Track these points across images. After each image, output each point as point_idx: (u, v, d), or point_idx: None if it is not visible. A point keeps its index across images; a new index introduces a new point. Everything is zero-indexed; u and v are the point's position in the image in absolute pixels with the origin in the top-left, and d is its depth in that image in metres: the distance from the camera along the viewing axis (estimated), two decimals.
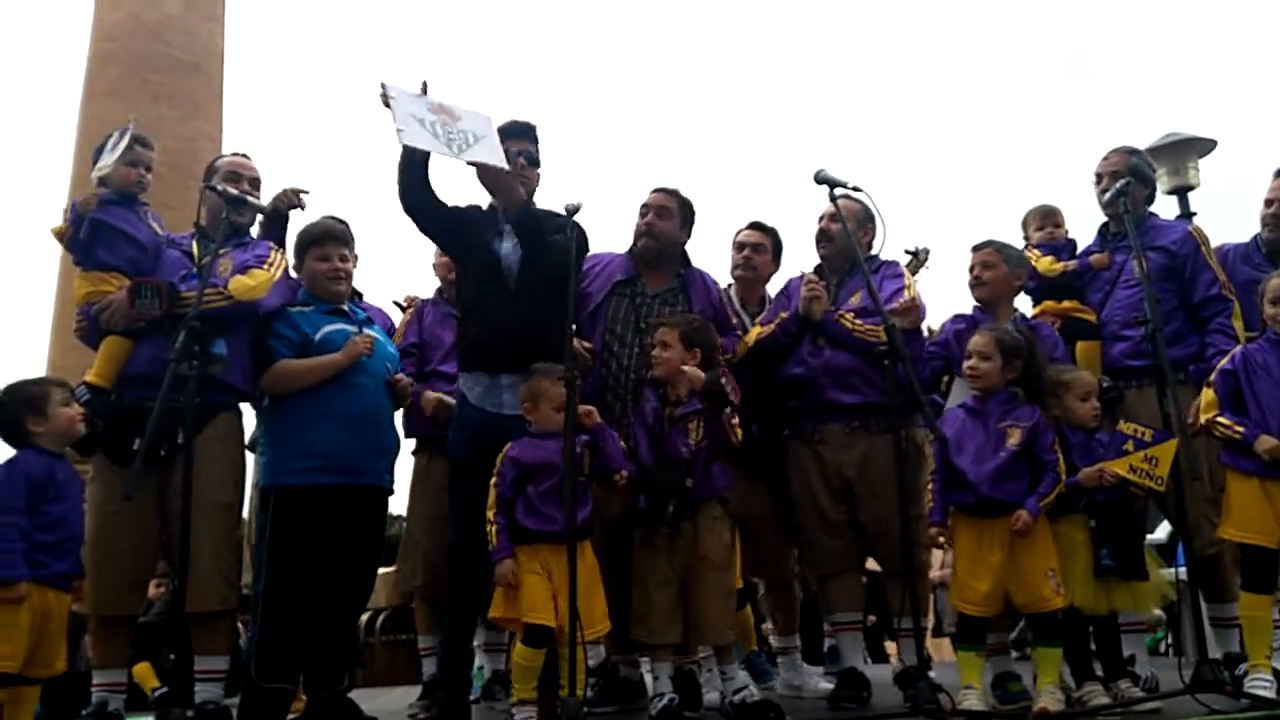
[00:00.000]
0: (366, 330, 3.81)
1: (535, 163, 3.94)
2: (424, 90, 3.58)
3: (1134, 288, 3.99)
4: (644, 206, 4.20)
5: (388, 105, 3.44)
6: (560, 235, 3.60)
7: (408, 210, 3.71)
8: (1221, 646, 3.94)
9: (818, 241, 4.30)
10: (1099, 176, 4.35)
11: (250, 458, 3.92)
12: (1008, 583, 3.40)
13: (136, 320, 3.54)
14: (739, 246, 4.51)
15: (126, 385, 3.57)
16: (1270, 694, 3.26)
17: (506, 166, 3.62)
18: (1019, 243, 4.50)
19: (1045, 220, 4.62)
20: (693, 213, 4.26)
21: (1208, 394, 3.61)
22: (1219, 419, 3.52)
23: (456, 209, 3.87)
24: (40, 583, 3.10)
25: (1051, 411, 3.57)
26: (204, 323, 3.30)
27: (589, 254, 4.06)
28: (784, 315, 4.16)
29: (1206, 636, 3.69)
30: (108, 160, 3.73)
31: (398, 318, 4.74)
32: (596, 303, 4.09)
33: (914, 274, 4.72)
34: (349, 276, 3.89)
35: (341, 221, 3.97)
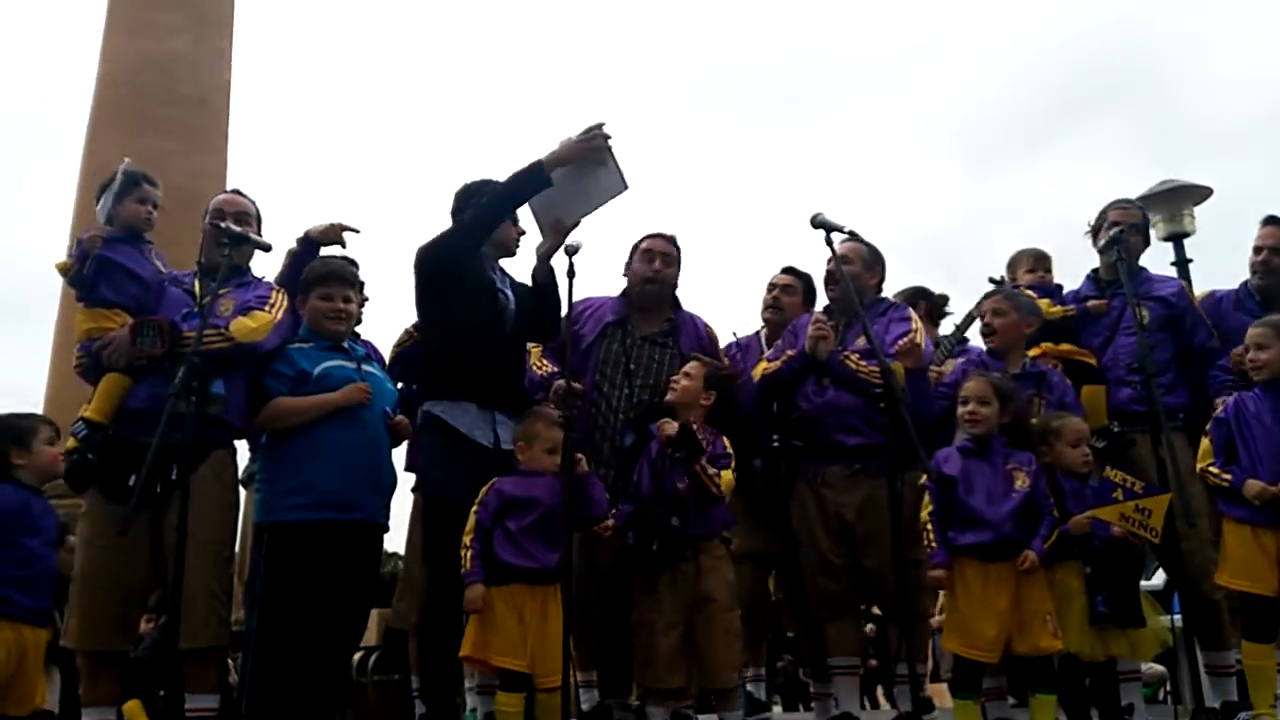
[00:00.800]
0: (365, 367, 3.82)
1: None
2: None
3: (1131, 337, 4.05)
4: (647, 252, 4.25)
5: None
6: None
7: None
8: (1218, 695, 3.92)
9: (826, 283, 4.36)
10: (1104, 225, 4.37)
11: (244, 494, 3.93)
12: (1011, 627, 3.39)
13: (138, 358, 3.55)
14: (770, 288, 4.58)
15: (124, 421, 3.56)
16: None
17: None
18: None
19: (1037, 264, 4.68)
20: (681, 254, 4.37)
21: (1204, 443, 3.65)
22: (1210, 468, 3.60)
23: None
24: (11, 619, 3.10)
25: (1044, 458, 3.60)
26: (203, 361, 3.31)
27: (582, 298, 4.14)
28: (790, 353, 4.18)
29: (1203, 685, 3.66)
30: (106, 201, 3.76)
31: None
32: (588, 343, 4.12)
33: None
34: (350, 317, 3.89)
35: (353, 263, 4.02)
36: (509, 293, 3.87)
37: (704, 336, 4.33)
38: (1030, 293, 4.43)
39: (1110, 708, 3.59)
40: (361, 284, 4.02)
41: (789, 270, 4.65)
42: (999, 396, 3.57)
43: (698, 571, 3.53)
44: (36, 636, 3.23)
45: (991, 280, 4.85)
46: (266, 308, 3.75)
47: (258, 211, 4.04)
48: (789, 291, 4.57)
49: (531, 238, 3.97)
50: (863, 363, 4.02)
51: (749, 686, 5.02)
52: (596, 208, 3.69)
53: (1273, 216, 4.31)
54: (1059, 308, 4.37)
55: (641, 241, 4.38)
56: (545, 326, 3.87)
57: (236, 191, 4.15)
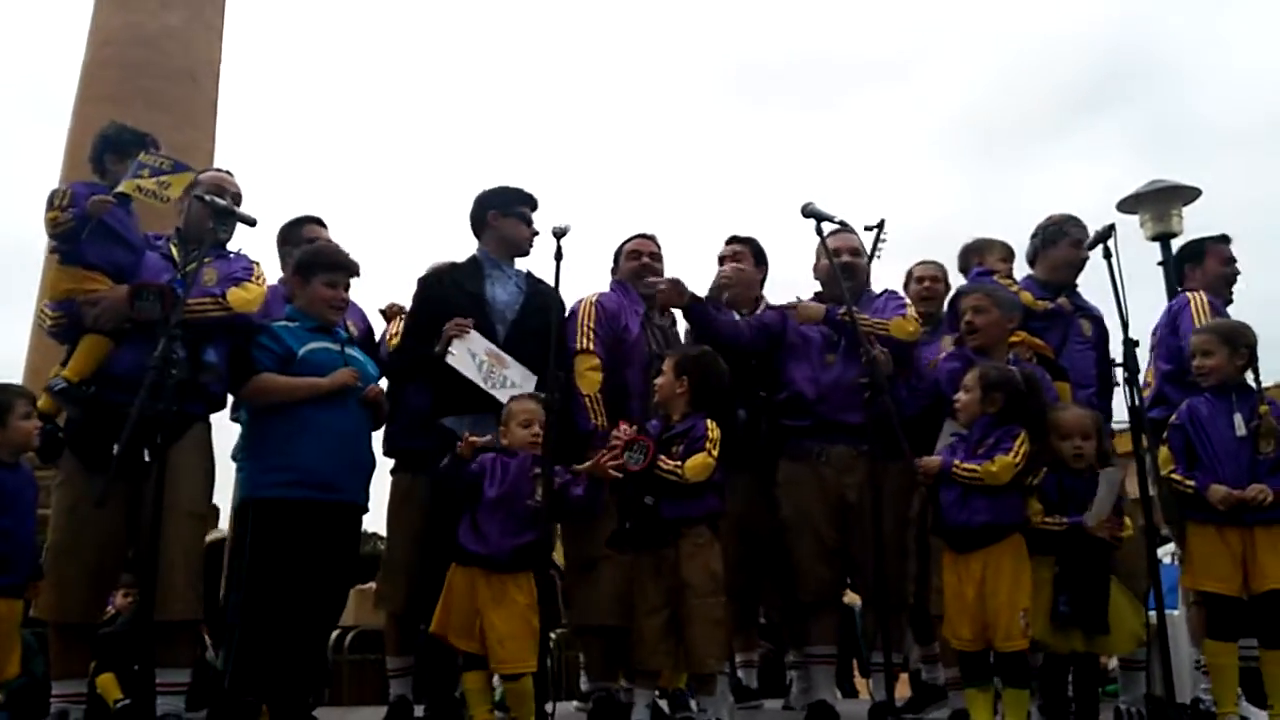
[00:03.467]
0: (349, 350, 3.83)
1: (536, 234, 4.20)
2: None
3: (1083, 345, 4.26)
4: (634, 253, 4.33)
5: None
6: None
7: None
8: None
9: (816, 273, 4.40)
10: (1060, 236, 4.39)
11: (228, 471, 3.91)
12: (984, 618, 3.39)
13: (136, 321, 3.51)
14: (720, 260, 4.56)
15: (108, 385, 3.51)
16: None
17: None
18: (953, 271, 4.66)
19: (1008, 255, 4.64)
20: None
21: (1163, 450, 3.71)
22: (1173, 474, 3.64)
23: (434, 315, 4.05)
24: None
25: (1048, 452, 3.58)
26: (196, 330, 3.30)
27: (591, 294, 4.23)
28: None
29: (1175, 680, 3.67)
30: (155, 186, 3.62)
31: (379, 325, 4.73)
32: (634, 337, 4.15)
33: (876, 248, 4.99)
34: (347, 306, 3.97)
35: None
36: (507, 297, 4.07)
37: None
38: (1009, 282, 4.40)
39: (1086, 700, 3.58)
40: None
41: (733, 239, 4.63)
42: (981, 384, 3.56)
43: (678, 557, 3.54)
44: (10, 608, 3.25)
45: (867, 228, 5.11)
46: (255, 280, 3.77)
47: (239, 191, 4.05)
48: (739, 259, 4.56)
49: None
50: (864, 317, 4.01)
51: (739, 673, 5.03)
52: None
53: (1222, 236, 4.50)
54: (1042, 302, 4.33)
55: (626, 244, 4.41)
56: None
57: (226, 171, 4.15)
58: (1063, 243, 4.36)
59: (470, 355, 3.87)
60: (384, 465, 4.44)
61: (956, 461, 3.46)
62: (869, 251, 4.92)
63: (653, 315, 4.31)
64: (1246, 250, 4.57)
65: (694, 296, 4.18)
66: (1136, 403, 3.61)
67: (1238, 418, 3.62)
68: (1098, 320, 4.41)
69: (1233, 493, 3.50)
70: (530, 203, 4.25)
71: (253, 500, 3.62)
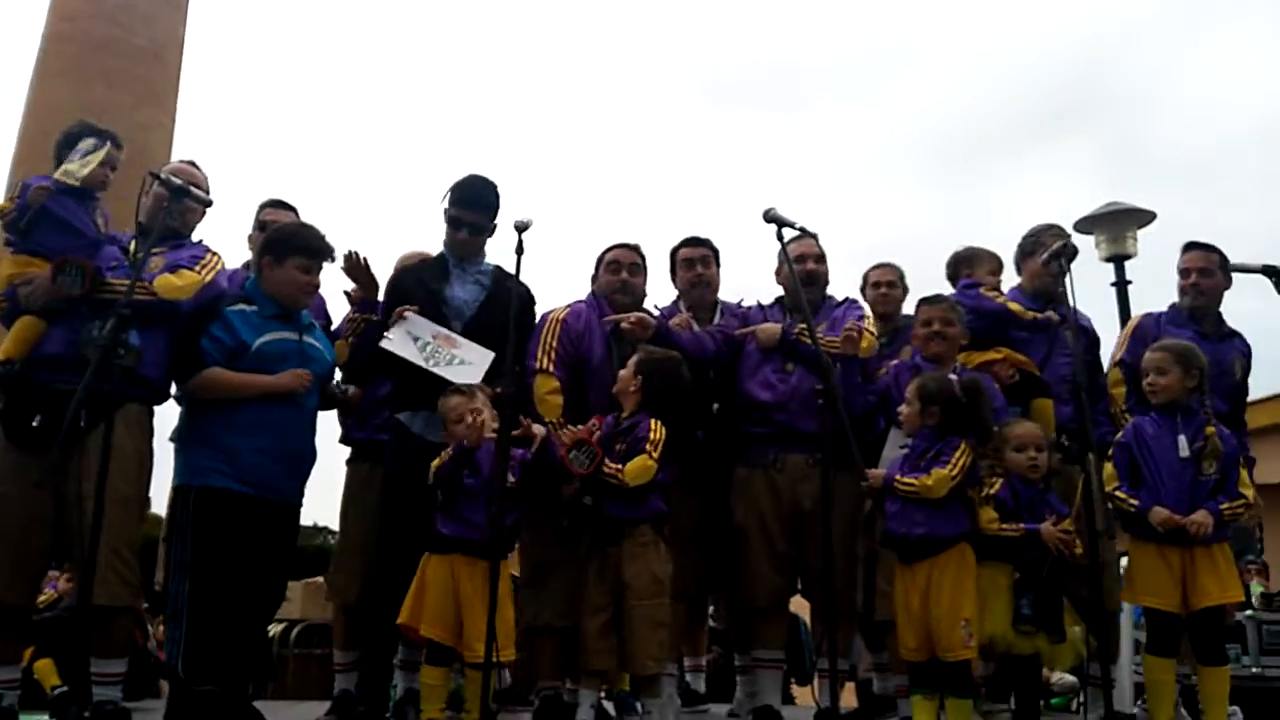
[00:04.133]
0: (307, 338, 3.77)
1: (480, 231, 4.09)
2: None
3: (1068, 358, 4.09)
4: (613, 263, 4.22)
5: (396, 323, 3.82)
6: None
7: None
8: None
9: (778, 278, 4.39)
10: (1038, 248, 4.35)
11: (166, 454, 3.83)
12: (928, 627, 3.44)
13: (57, 297, 3.47)
14: (688, 263, 4.46)
15: (38, 366, 3.48)
16: None
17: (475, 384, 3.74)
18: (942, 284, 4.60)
19: (998, 267, 4.61)
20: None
21: (1108, 467, 3.78)
22: (1117, 492, 3.70)
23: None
24: None
25: (999, 464, 3.64)
26: (130, 313, 3.23)
27: (563, 305, 4.16)
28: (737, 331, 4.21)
29: (1116, 695, 3.76)
30: (77, 167, 3.63)
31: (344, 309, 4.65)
32: (598, 360, 4.05)
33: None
34: (317, 291, 3.90)
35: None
36: (466, 294, 4.01)
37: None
38: (995, 294, 4.41)
39: (1028, 701, 3.65)
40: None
41: (695, 241, 4.50)
42: (920, 398, 3.61)
43: (620, 558, 3.54)
44: None
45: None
46: (197, 268, 3.69)
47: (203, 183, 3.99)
48: (708, 263, 4.46)
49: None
50: (820, 336, 3.97)
51: (687, 677, 5.04)
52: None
53: (1193, 242, 4.44)
54: (1030, 311, 4.33)
55: (606, 253, 4.30)
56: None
57: (191, 163, 4.07)
58: (1040, 253, 4.33)
59: (411, 339, 3.80)
60: (337, 454, 4.40)
61: (898, 476, 3.52)
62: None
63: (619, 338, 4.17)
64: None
65: (658, 327, 4.10)
66: (1085, 418, 3.65)
67: (1182, 439, 3.68)
68: (1086, 332, 4.42)
69: (1174, 517, 3.57)
70: (459, 200, 4.10)
71: (193, 487, 3.54)
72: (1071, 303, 3.80)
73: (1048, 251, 4.00)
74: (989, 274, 4.55)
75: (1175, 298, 4.48)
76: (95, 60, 13.44)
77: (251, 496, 3.53)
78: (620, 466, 3.50)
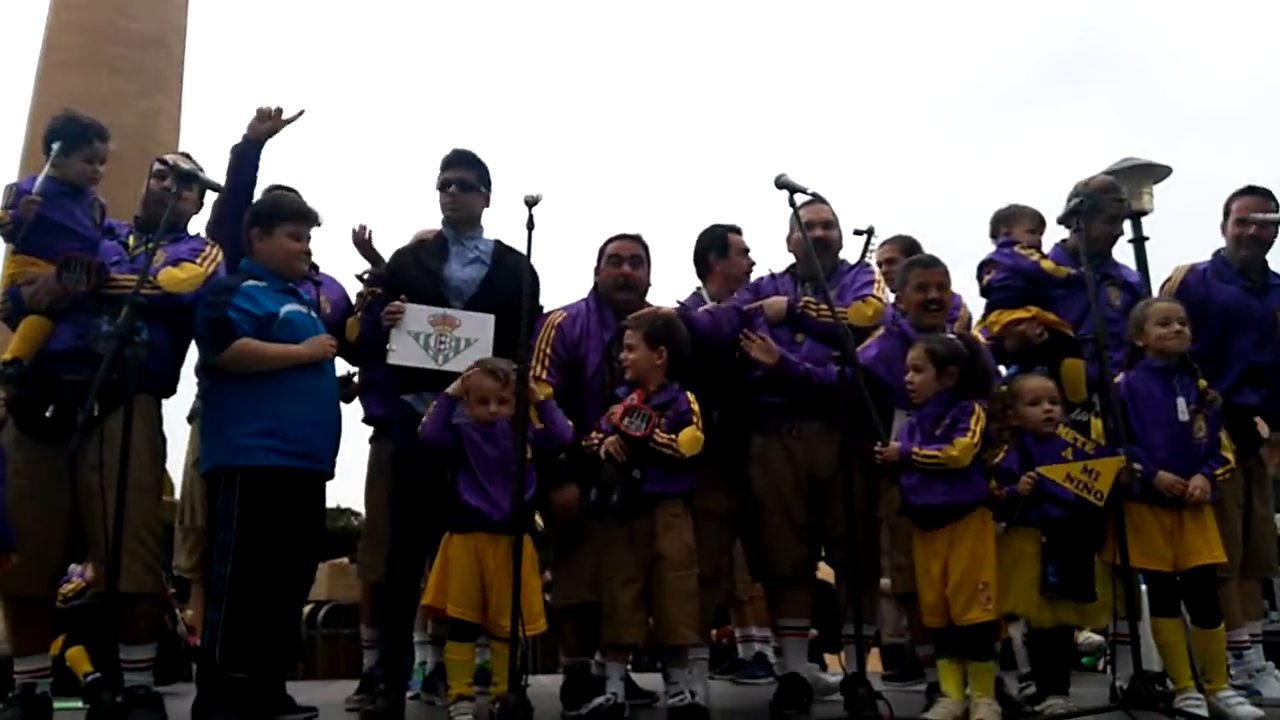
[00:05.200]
0: (313, 313, 3.77)
1: (470, 187, 4.03)
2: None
3: (1113, 315, 4.04)
4: (614, 256, 4.12)
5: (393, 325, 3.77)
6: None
7: None
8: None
9: (789, 245, 4.33)
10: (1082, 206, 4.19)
11: (178, 439, 3.85)
12: (946, 593, 3.42)
13: (62, 295, 3.47)
14: (617, 261, 4.15)
15: (46, 360, 3.48)
16: (1202, 712, 3.37)
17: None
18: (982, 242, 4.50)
19: (1038, 226, 4.49)
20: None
21: (1097, 424, 3.68)
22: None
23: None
24: None
25: (1011, 421, 3.56)
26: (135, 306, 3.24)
27: (562, 307, 4.12)
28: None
29: (1142, 654, 3.73)
30: (55, 151, 3.61)
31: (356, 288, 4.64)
32: (594, 369, 3.98)
33: (865, 254, 4.79)
34: (310, 257, 3.89)
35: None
36: (466, 273, 3.96)
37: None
38: (1030, 252, 4.30)
39: (1057, 674, 3.61)
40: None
41: (626, 237, 4.22)
42: (934, 361, 3.54)
43: (653, 529, 3.54)
44: None
45: (857, 232, 4.83)
46: (198, 260, 3.69)
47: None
48: (636, 265, 4.16)
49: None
50: (823, 308, 3.92)
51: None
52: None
53: (1251, 187, 4.28)
54: (1064, 269, 4.22)
55: (607, 245, 4.21)
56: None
57: (185, 155, 4.05)
58: (1099, 220, 4.21)
59: (413, 339, 3.77)
60: (354, 434, 4.41)
61: (915, 449, 3.45)
62: (859, 257, 4.81)
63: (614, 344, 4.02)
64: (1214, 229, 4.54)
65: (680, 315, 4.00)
66: (1105, 372, 3.60)
67: (1180, 401, 3.61)
68: (1129, 287, 4.31)
69: (1179, 482, 3.52)
70: (441, 164, 4.06)
71: (239, 468, 3.48)
72: (1085, 261, 3.71)
73: (1065, 210, 3.95)
74: (1027, 232, 4.44)
75: (1193, 251, 4.37)
76: (100, 49, 13.44)
77: (300, 469, 3.54)
78: (673, 437, 3.51)
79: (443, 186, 4.04)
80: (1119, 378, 3.70)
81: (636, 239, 4.18)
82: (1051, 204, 4.41)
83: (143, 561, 3.47)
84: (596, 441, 3.62)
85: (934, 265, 3.90)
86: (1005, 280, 4.18)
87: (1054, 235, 4.48)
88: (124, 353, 3.14)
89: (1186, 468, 3.58)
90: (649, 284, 4.20)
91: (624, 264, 4.10)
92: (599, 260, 4.20)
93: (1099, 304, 3.80)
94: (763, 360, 3.96)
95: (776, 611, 4.30)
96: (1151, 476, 3.54)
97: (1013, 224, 4.45)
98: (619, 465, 3.52)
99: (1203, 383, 3.65)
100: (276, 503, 3.46)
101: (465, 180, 4.03)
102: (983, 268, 4.33)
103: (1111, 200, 4.29)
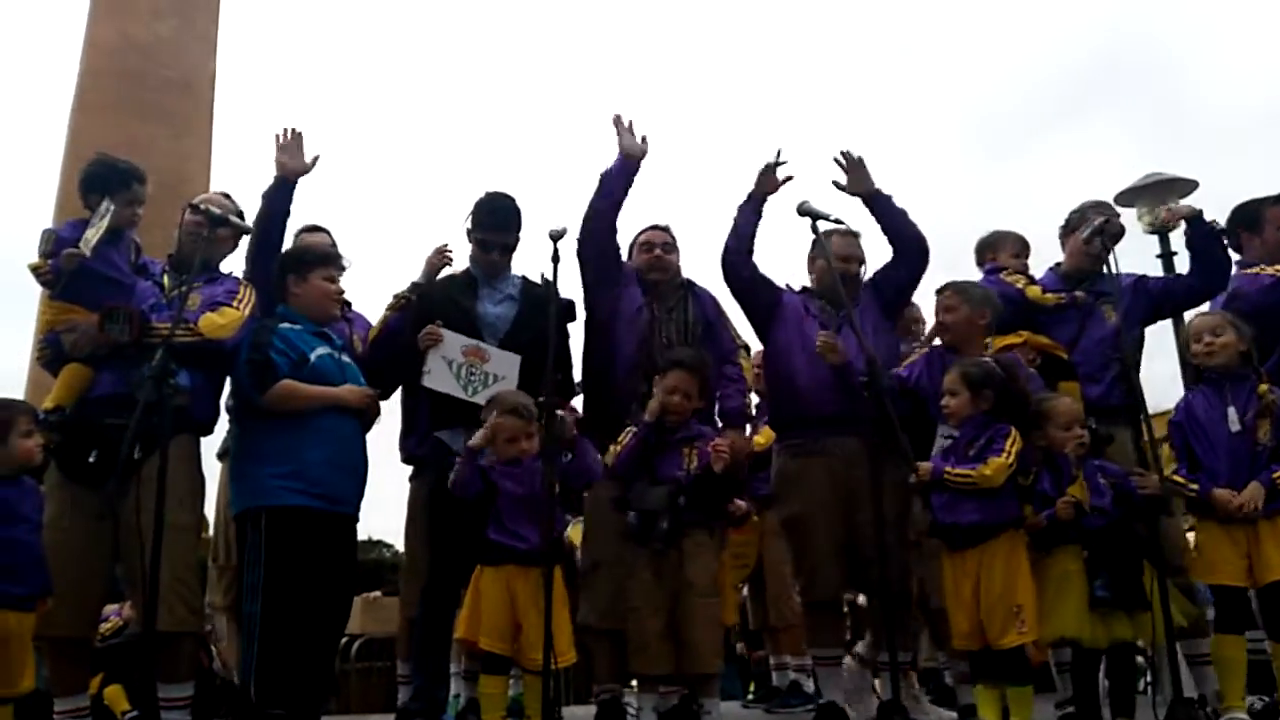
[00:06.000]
0: (343, 357, 3.82)
1: (510, 250, 4.21)
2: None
3: (1108, 329, 4.06)
4: (646, 244, 4.32)
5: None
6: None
7: None
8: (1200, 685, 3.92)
9: (811, 270, 4.34)
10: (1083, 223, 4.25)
11: (211, 476, 3.89)
12: (980, 616, 3.37)
13: (104, 345, 3.51)
14: (648, 247, 4.38)
15: (89, 406, 3.53)
16: None
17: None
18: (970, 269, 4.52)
19: (1022, 250, 4.55)
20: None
21: (1165, 449, 3.67)
22: (1175, 476, 3.57)
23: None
24: None
25: (1038, 441, 3.53)
26: (171, 353, 3.30)
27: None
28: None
29: (1181, 675, 3.67)
30: (92, 234, 3.60)
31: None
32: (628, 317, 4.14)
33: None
34: (343, 298, 3.97)
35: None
36: (499, 310, 4.06)
37: (710, 305, 4.38)
38: (1019, 276, 4.33)
39: (1121, 695, 3.50)
40: None
41: (662, 228, 4.43)
42: (968, 384, 3.52)
43: (681, 558, 3.53)
44: (21, 621, 3.22)
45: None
46: (235, 303, 3.73)
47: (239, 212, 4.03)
48: (669, 249, 4.39)
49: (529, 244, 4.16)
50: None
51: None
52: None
53: None
54: (1051, 295, 4.25)
55: (639, 235, 4.40)
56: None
57: (225, 195, 4.12)
58: (1083, 229, 4.23)
59: (447, 365, 3.86)
60: (386, 468, 4.44)
61: (948, 468, 3.43)
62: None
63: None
64: None
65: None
66: (1138, 394, 3.59)
67: (1231, 411, 3.57)
68: (1150, 293, 4.28)
69: (1234, 498, 3.47)
70: (488, 223, 4.17)
71: (265, 508, 3.56)
72: (1113, 274, 3.70)
73: (1089, 228, 3.93)
74: (1012, 257, 4.49)
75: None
76: (129, 94, 13.68)
77: (323, 511, 3.57)
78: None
79: (485, 247, 4.15)
80: (1180, 400, 3.70)
81: (665, 229, 4.40)
82: None
83: (183, 600, 3.51)
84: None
85: (942, 290, 4.01)
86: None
87: (1039, 259, 4.54)
88: (161, 395, 3.18)
89: (1250, 477, 3.51)
90: (679, 268, 4.37)
91: (656, 249, 4.30)
92: (630, 251, 4.40)
93: (1125, 325, 3.77)
94: (831, 360, 3.92)
95: (813, 640, 4.21)
96: (1206, 494, 3.50)
97: (997, 250, 4.52)
98: (664, 494, 3.54)
99: (1263, 387, 3.58)
100: (301, 542, 3.50)
101: (508, 245, 4.19)
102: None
103: (1098, 214, 4.25)
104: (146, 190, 3.85)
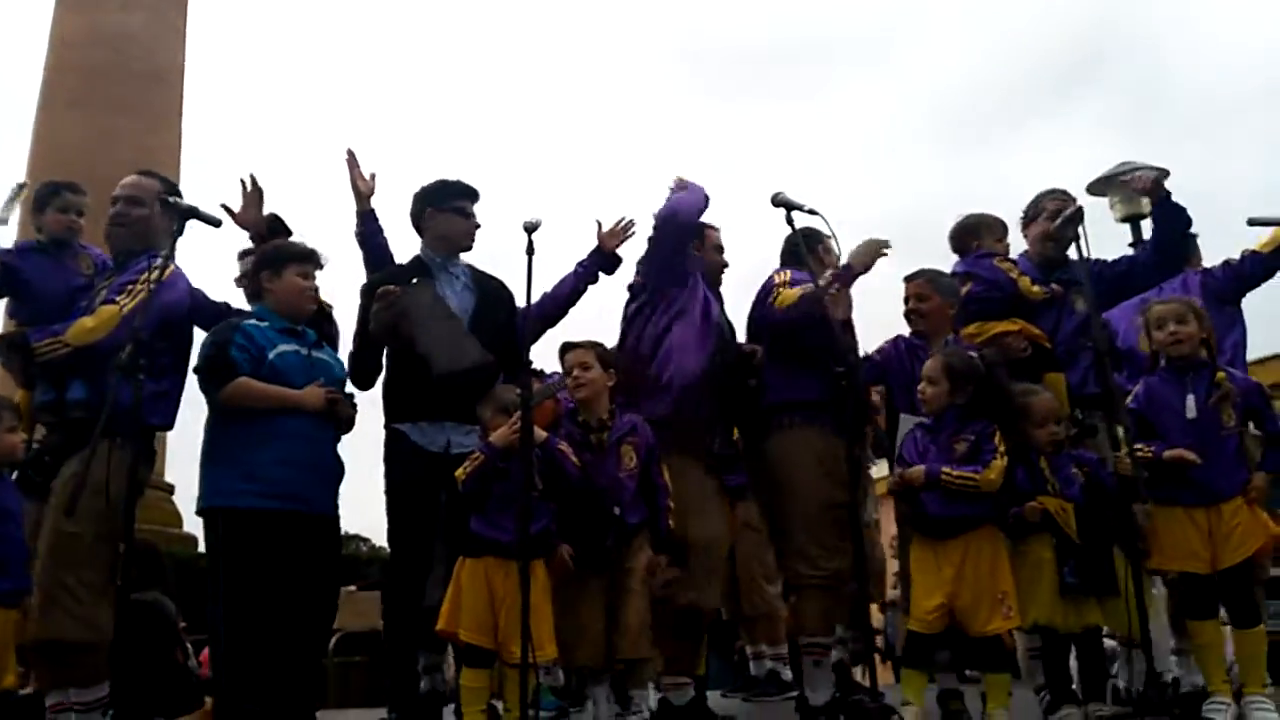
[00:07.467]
0: (315, 353, 3.76)
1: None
2: None
3: (1078, 317, 4.10)
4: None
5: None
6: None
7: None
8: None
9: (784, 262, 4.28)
10: (1041, 214, 4.31)
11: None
12: (955, 602, 3.38)
13: (20, 372, 3.59)
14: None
15: (70, 410, 3.52)
16: (1226, 718, 3.34)
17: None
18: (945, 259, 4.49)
19: (1003, 233, 4.47)
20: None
21: (1122, 431, 3.66)
22: (1136, 445, 3.51)
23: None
24: None
25: (1014, 437, 3.54)
26: (51, 367, 3.43)
27: None
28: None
29: (1154, 659, 3.69)
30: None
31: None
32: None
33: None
34: (318, 296, 3.90)
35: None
36: (458, 298, 3.99)
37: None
38: (1010, 263, 4.30)
39: (1092, 678, 3.55)
40: None
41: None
42: (949, 376, 3.53)
43: (628, 550, 3.57)
44: (5, 617, 3.21)
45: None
46: (119, 297, 3.58)
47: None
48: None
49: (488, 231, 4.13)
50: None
51: (768, 664, 5.11)
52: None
53: None
54: (1039, 288, 4.22)
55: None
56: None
57: (144, 173, 4.08)
58: (1041, 218, 4.29)
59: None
60: (363, 463, 4.41)
61: (945, 469, 3.41)
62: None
63: None
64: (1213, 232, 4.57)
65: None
66: (1110, 382, 3.61)
67: (1190, 400, 3.55)
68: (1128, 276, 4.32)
69: (1186, 453, 3.45)
70: (468, 194, 4.13)
71: (220, 510, 3.53)
72: (1085, 260, 3.72)
73: (1061, 217, 3.93)
74: (996, 241, 4.41)
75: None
76: (98, 88, 13.50)
77: (280, 511, 3.50)
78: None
79: (466, 214, 4.10)
80: (1139, 385, 3.69)
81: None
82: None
83: (66, 610, 3.37)
84: None
85: (913, 278, 4.02)
86: (985, 293, 4.19)
87: (1017, 242, 4.52)
88: (125, 389, 3.16)
89: (1217, 462, 3.50)
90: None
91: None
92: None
93: (1096, 312, 3.78)
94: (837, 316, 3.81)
95: (798, 626, 4.05)
96: (1160, 454, 3.48)
97: (983, 235, 4.41)
98: (601, 506, 3.54)
99: (1220, 374, 3.60)
100: (260, 544, 3.44)
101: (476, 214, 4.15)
102: (959, 278, 4.26)
103: (1054, 201, 4.28)
104: (83, 199, 3.84)
